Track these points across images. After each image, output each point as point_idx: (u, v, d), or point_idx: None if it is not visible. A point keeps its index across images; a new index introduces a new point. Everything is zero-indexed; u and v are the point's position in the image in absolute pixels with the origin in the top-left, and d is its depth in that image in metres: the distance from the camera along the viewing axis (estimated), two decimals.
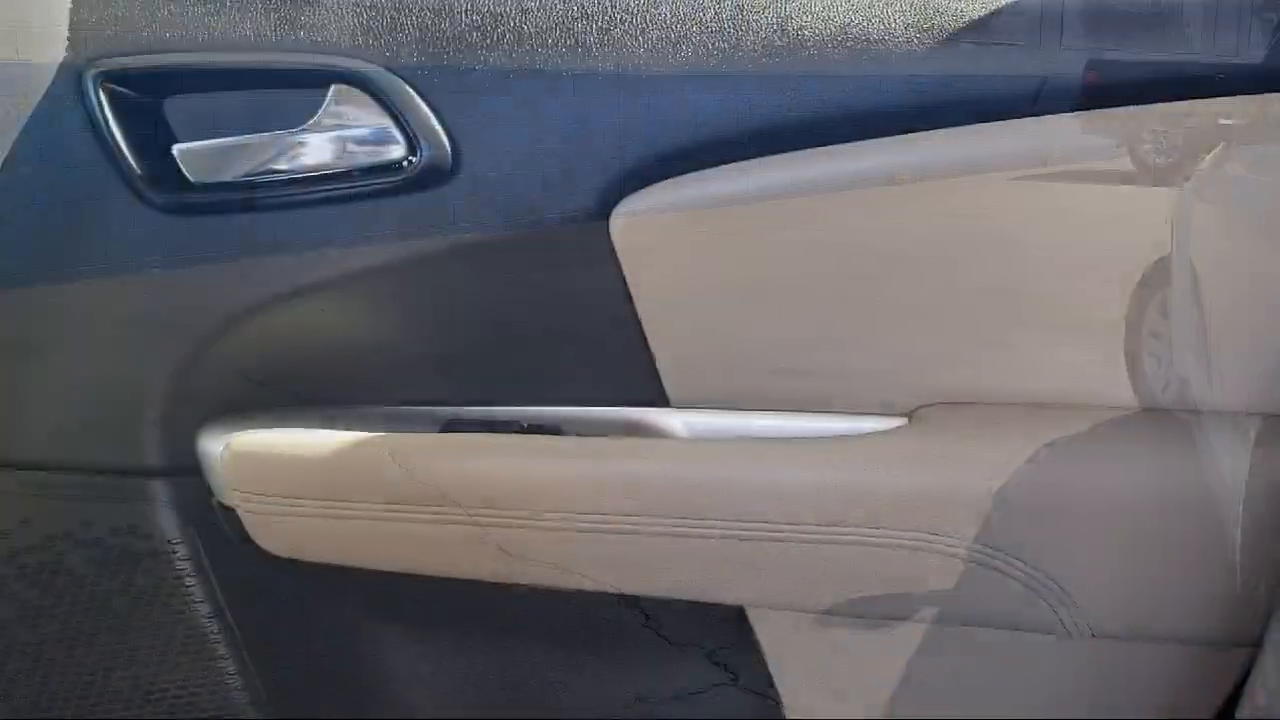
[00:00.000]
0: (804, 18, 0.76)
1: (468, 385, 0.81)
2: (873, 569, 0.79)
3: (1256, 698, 0.73)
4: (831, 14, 0.76)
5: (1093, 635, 0.78)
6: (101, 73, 0.73)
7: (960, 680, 0.81)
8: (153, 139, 0.76)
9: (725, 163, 0.77)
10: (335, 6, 0.76)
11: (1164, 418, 0.79)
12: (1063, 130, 0.77)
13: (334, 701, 0.85)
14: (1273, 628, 0.73)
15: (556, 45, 0.76)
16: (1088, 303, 0.77)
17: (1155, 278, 0.78)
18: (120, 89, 0.74)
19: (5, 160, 0.73)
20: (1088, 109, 0.75)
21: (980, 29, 0.76)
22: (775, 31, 0.77)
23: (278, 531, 0.79)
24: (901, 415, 0.81)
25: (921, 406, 0.81)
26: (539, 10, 0.76)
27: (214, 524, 0.81)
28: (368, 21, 0.76)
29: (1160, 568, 0.78)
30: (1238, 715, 0.75)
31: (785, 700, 0.83)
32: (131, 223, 0.75)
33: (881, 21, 0.76)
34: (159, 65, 0.75)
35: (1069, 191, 0.77)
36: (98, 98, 0.74)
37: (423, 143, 0.75)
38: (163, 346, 0.77)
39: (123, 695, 0.80)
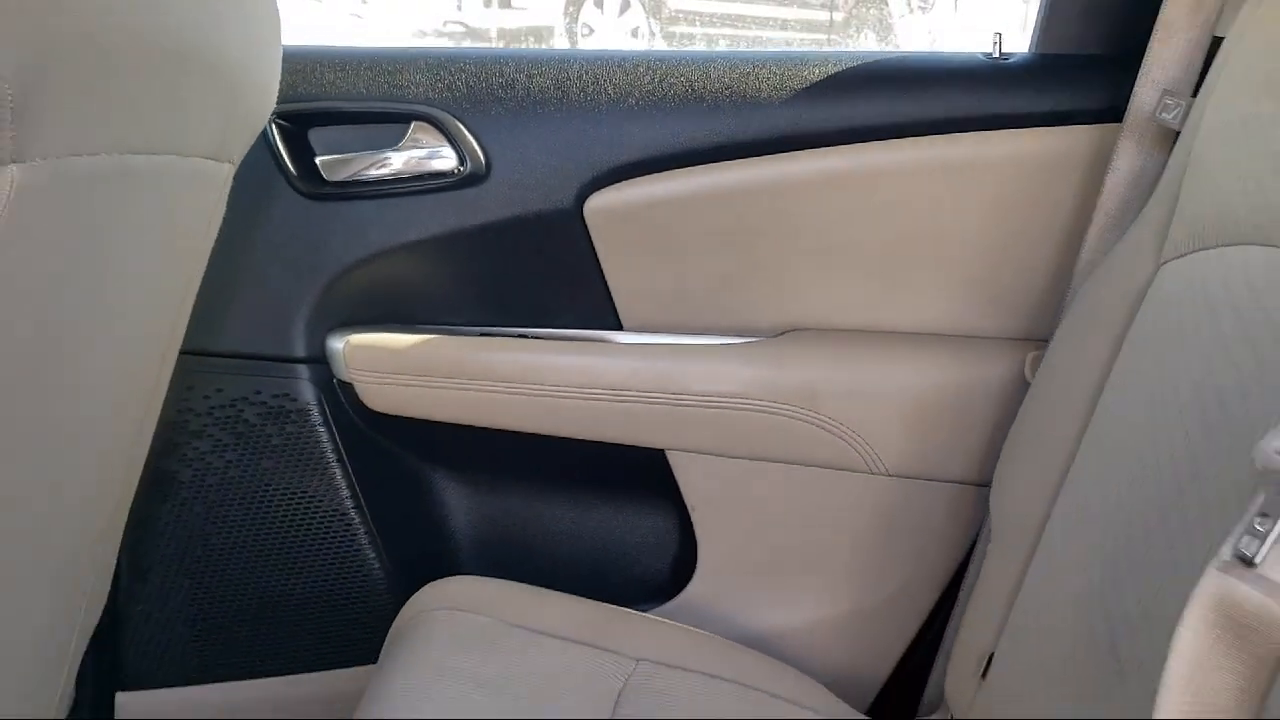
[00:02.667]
0: (703, 81, 1.18)
1: (494, 313, 1.24)
2: (753, 428, 1.21)
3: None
4: (717, 81, 1.18)
5: (889, 474, 1.21)
6: (275, 114, 1.16)
7: (805, 506, 1.24)
8: (303, 154, 1.20)
9: (658, 171, 1.20)
10: (412, 73, 1.18)
11: (948, 340, 1.21)
12: (873, 151, 1.18)
13: (400, 512, 1.29)
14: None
15: (551, 96, 1.18)
16: (897, 258, 1.19)
17: (945, 244, 1.20)
18: (285, 123, 1.18)
19: None
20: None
21: (807, 90, 1.18)
22: (686, 88, 1.18)
23: (380, 396, 1.23)
24: (775, 334, 1.24)
25: (787, 330, 1.24)
26: (540, 76, 1.18)
27: (336, 394, 1.25)
28: (434, 82, 1.18)
29: (936, 431, 1.20)
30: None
31: (695, 520, 1.27)
32: (291, 205, 1.19)
33: (754, 83, 1.17)
34: (307, 109, 1.18)
35: (886, 187, 1.19)
36: (271, 130, 1.17)
37: (467, 158, 1.18)
38: (307, 281, 1.20)
39: (275, 497, 1.24)
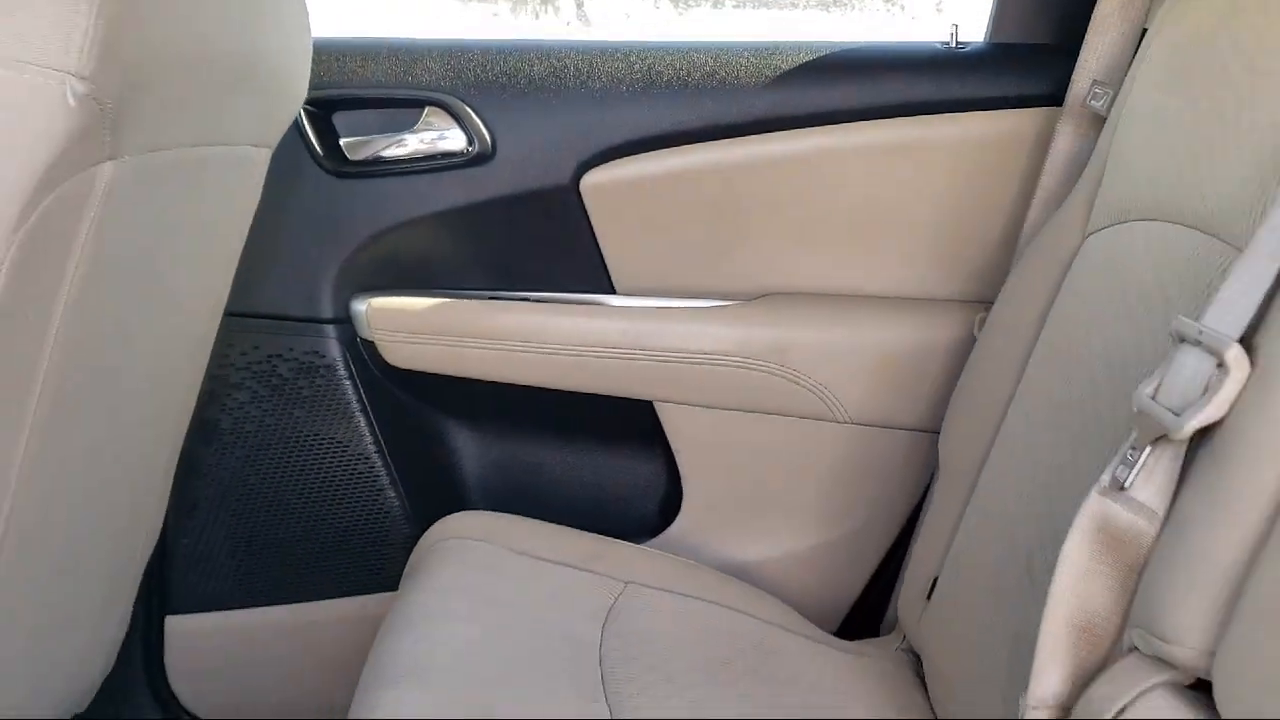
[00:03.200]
0: (688, 69, 1.30)
1: (500, 278, 1.38)
2: (731, 381, 1.35)
3: None
4: (700, 69, 1.30)
5: (852, 423, 1.35)
6: (303, 102, 1.29)
7: (778, 450, 1.37)
8: (328, 136, 1.33)
9: (648, 151, 1.32)
10: (426, 62, 1.31)
11: (906, 302, 1.34)
12: (841, 133, 1.31)
13: (417, 456, 1.42)
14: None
15: (550, 83, 1.31)
16: (862, 229, 1.32)
17: (905, 216, 1.33)
18: (312, 109, 1.30)
19: None
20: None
21: (782, 76, 1.30)
22: (673, 75, 1.31)
23: (398, 353, 1.36)
24: (752, 298, 1.37)
25: (763, 294, 1.37)
26: (540, 64, 1.31)
27: (359, 351, 1.38)
28: (444, 70, 1.31)
29: (893, 383, 1.33)
30: None
31: (680, 463, 1.40)
32: (319, 182, 1.32)
33: (734, 70, 1.30)
34: (332, 96, 1.30)
35: (853, 165, 1.32)
36: (300, 116, 1.30)
37: (475, 139, 1.31)
38: (333, 250, 1.33)
39: (305, 442, 1.38)
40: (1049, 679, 0.82)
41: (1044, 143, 1.27)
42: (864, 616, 1.39)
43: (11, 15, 0.65)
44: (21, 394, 0.76)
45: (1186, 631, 0.74)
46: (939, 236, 1.31)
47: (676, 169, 1.32)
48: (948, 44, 1.34)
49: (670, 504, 1.41)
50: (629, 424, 1.39)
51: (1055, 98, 1.27)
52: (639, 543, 1.35)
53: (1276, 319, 0.75)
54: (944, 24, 1.38)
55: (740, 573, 1.36)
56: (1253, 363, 0.75)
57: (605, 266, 1.36)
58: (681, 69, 1.31)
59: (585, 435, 1.44)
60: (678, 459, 1.39)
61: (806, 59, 1.31)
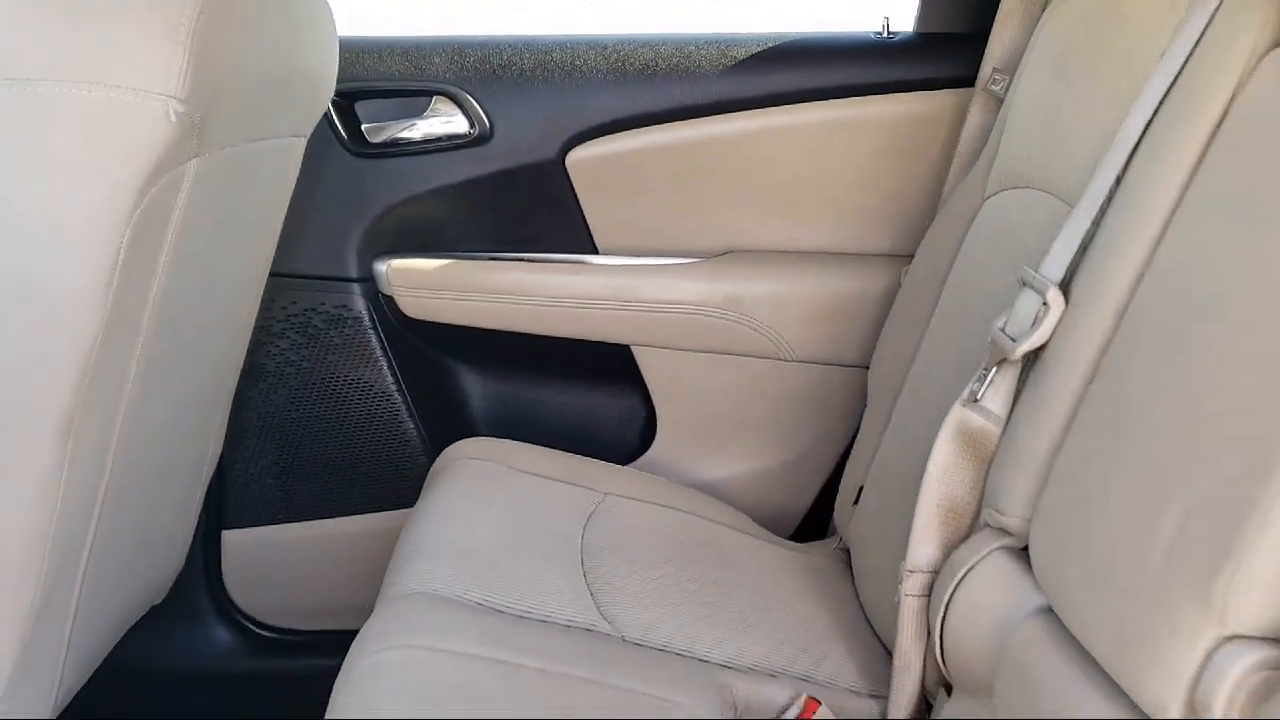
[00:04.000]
0: (655, 59, 1.52)
1: (499, 242, 1.60)
2: (696, 327, 1.57)
3: None
4: (667, 59, 1.51)
5: (798, 361, 1.57)
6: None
7: (737, 385, 1.60)
8: (352, 122, 1.55)
9: (624, 130, 1.54)
10: (433, 57, 1.52)
11: (844, 256, 1.56)
12: (788, 113, 1.52)
13: (431, 392, 1.65)
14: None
15: (539, 74, 1.52)
16: (807, 195, 1.54)
17: (843, 183, 1.54)
18: (338, 99, 1.52)
19: None
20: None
21: (736, 65, 1.51)
22: (643, 65, 1.52)
23: (414, 306, 1.59)
24: (713, 255, 1.59)
25: (724, 252, 1.59)
26: (531, 57, 1.53)
27: (381, 305, 1.61)
28: (449, 64, 1.52)
29: (833, 327, 1.55)
30: None
31: (654, 397, 1.63)
32: (344, 161, 1.54)
33: (696, 60, 1.51)
34: (354, 88, 1.52)
35: (798, 140, 1.53)
36: (329, 106, 1.51)
37: (475, 123, 1.52)
38: (357, 219, 1.55)
39: (337, 382, 1.60)
40: (923, 549, 1.05)
41: (959, 119, 1.48)
42: (814, 525, 1.62)
43: (125, 48, 0.87)
44: (130, 345, 0.98)
45: (1015, 505, 0.96)
46: (871, 201, 1.53)
47: (648, 146, 1.54)
48: (880, 34, 1.55)
49: (646, 432, 1.64)
50: (610, 365, 1.61)
51: (969, 80, 1.48)
52: (619, 464, 1.58)
53: (1086, 265, 0.97)
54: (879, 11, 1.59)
55: (705, 489, 1.59)
56: (1067, 300, 0.97)
57: (588, 230, 1.58)
58: (650, 59, 1.53)
59: (573, 374, 1.66)
60: (652, 394, 1.61)
61: (758, 49, 1.52)
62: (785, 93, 1.52)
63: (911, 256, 1.49)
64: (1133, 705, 0.74)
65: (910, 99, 1.50)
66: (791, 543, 1.47)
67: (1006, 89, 1.37)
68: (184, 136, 0.90)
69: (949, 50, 1.51)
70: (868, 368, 1.52)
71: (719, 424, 1.61)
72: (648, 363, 1.60)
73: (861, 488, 1.38)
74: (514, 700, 0.94)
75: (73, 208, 0.88)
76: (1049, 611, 0.87)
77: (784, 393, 1.58)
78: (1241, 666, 0.66)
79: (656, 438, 1.63)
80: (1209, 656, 0.68)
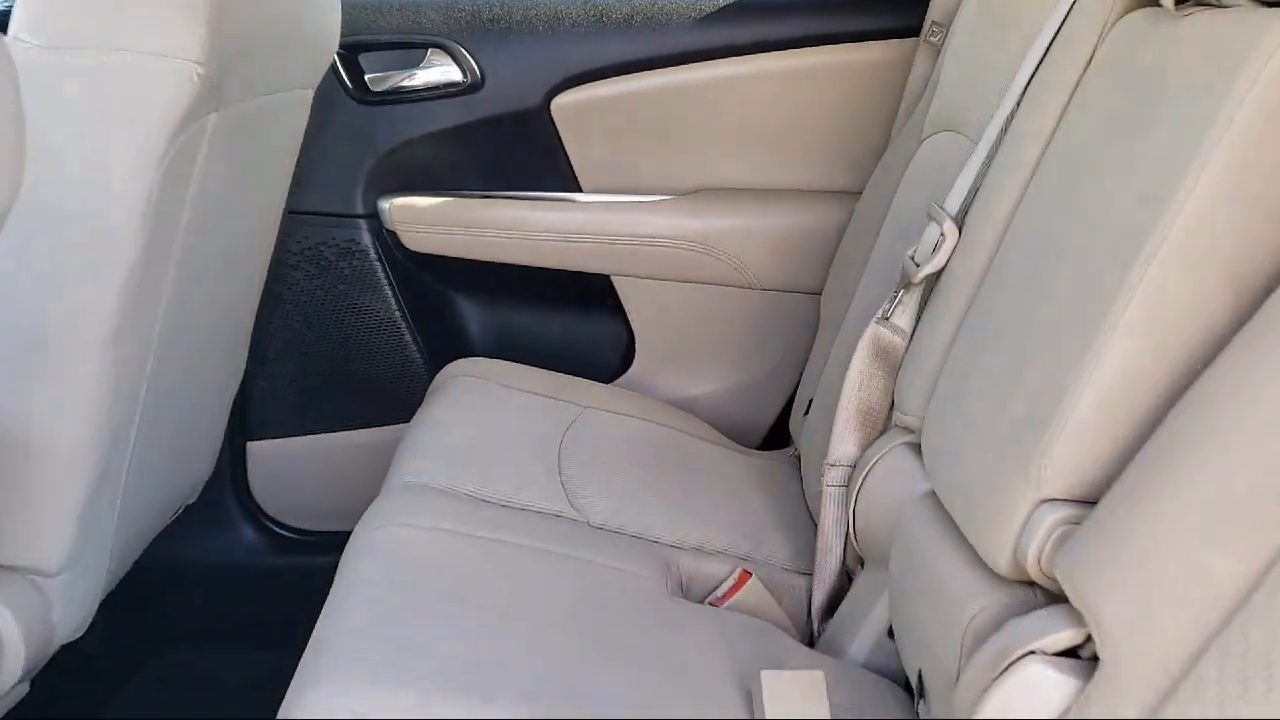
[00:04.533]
0: (631, 11, 1.66)
1: (491, 182, 1.75)
2: (670, 258, 1.72)
3: None
4: (642, 11, 1.65)
5: (762, 289, 1.73)
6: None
7: (707, 311, 1.75)
8: (356, 73, 1.70)
9: (604, 79, 1.69)
10: (428, 12, 1.67)
11: (804, 193, 1.71)
12: (751, 62, 1.66)
13: (430, 317, 1.81)
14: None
15: (525, 27, 1.67)
16: (769, 136, 1.68)
17: (802, 126, 1.69)
18: (343, 52, 1.67)
19: None
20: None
21: (705, 17, 1.65)
22: (621, 18, 1.66)
23: (414, 240, 1.75)
24: (686, 193, 1.74)
25: (696, 190, 1.74)
26: (518, 11, 1.67)
27: (385, 239, 1.77)
28: (444, 19, 1.67)
29: (793, 257, 1.71)
30: None
31: (633, 323, 1.79)
32: (350, 109, 1.69)
33: (668, 12, 1.65)
34: (357, 41, 1.67)
35: (761, 87, 1.67)
36: (334, 59, 1.67)
37: (468, 73, 1.67)
38: (362, 162, 1.71)
39: (346, 309, 1.77)
40: (842, 447, 1.22)
41: (906, 69, 1.62)
42: (779, 437, 1.78)
43: (154, 21, 1.03)
44: (161, 275, 1.15)
45: (914, 406, 1.13)
46: (827, 142, 1.68)
47: (626, 92, 1.69)
48: None
49: (626, 354, 1.80)
50: (593, 293, 1.77)
51: (916, 31, 1.61)
52: (600, 383, 1.75)
53: (977, 202, 1.12)
54: None
55: (679, 405, 1.75)
56: (960, 231, 1.12)
57: (573, 170, 1.73)
58: (628, 13, 1.67)
59: (560, 302, 1.82)
60: (630, 320, 1.77)
61: (724, 3, 1.66)
62: (749, 44, 1.66)
63: (860, 194, 1.64)
64: (982, 564, 0.91)
65: (861, 49, 1.64)
66: (752, 451, 1.64)
67: (943, 41, 1.51)
68: (205, 94, 1.06)
69: (896, 4, 1.64)
70: (821, 294, 1.68)
71: (691, 346, 1.78)
72: (627, 291, 1.76)
73: (811, 401, 1.54)
74: (490, 567, 1.12)
75: (113, 156, 1.05)
76: (932, 494, 1.04)
77: (749, 318, 1.74)
78: (1047, 524, 0.82)
79: (635, 359, 1.79)
80: (1028, 518, 0.84)
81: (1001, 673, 0.78)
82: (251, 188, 1.35)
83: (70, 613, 1.21)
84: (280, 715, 0.91)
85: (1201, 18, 0.85)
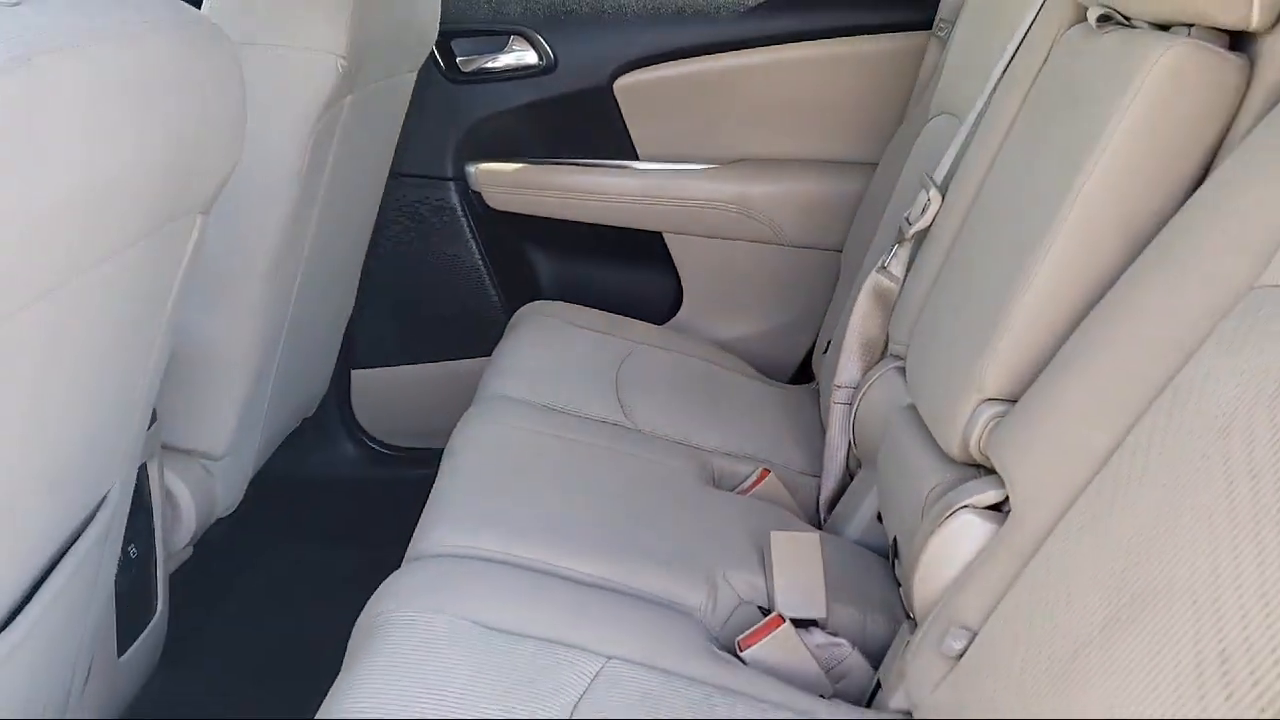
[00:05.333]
0: (684, 6, 1.92)
1: (562, 150, 2.02)
2: (713, 218, 1.99)
3: None
4: (694, 3, 1.91)
5: (793, 245, 1.99)
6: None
7: (745, 263, 2.02)
8: (449, 56, 1.98)
9: (660, 63, 1.95)
10: (511, 5, 1.94)
11: (828, 163, 1.96)
12: (788, 50, 1.91)
13: (508, 265, 2.10)
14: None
15: (593, 18, 1.94)
16: (800, 114, 1.94)
17: (828, 105, 1.94)
18: (439, 39, 1.94)
19: None
20: None
21: (751, 10, 1.91)
22: (675, 9, 1.92)
23: (496, 200, 2.02)
24: (729, 162, 2.00)
25: (737, 160, 2.00)
26: (586, 5, 1.93)
27: (471, 199, 2.05)
28: (524, 9, 1.94)
29: (820, 217, 1.96)
30: None
31: (681, 273, 2.06)
32: (444, 87, 1.97)
33: (715, 4, 1.91)
34: (450, 29, 1.94)
35: (795, 72, 1.93)
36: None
37: (543, 56, 1.95)
38: (453, 132, 1.99)
39: (437, 257, 2.05)
40: (846, 371, 1.48)
41: (918, 56, 1.86)
42: (804, 374, 2.05)
43: (306, 20, 1.31)
44: (306, 222, 1.44)
45: (903, 336, 1.39)
46: (850, 120, 1.93)
47: (677, 75, 1.95)
48: None
49: (675, 301, 2.08)
50: (647, 248, 2.04)
51: (929, 25, 1.85)
52: (652, 324, 2.02)
53: (959, 172, 1.37)
54: None
55: (719, 345, 2.02)
56: (944, 196, 1.38)
57: (631, 142, 2.00)
58: (681, 5, 1.93)
59: (618, 255, 2.10)
60: (679, 271, 2.05)
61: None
62: (784, 34, 1.91)
63: (877, 164, 1.89)
64: (940, 451, 1.17)
65: (880, 40, 1.89)
66: (780, 383, 1.90)
67: (949, 35, 1.75)
68: (345, 81, 1.34)
69: (910, 1, 1.88)
70: (842, 251, 1.94)
71: (730, 295, 2.04)
72: (676, 247, 2.03)
73: (829, 341, 1.80)
74: (559, 457, 1.40)
75: (273, 131, 1.33)
76: (912, 406, 1.30)
77: (781, 271, 2.01)
78: (985, 417, 1.08)
79: (682, 305, 2.07)
80: (972, 413, 1.10)
81: (942, 523, 1.05)
82: (369, 155, 1.63)
83: (227, 492, 1.52)
84: (408, 554, 1.20)
85: (1116, 35, 1.10)
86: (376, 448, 2.15)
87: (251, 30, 1.31)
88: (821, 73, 1.91)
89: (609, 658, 1.00)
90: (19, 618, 0.85)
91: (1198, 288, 0.91)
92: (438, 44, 1.94)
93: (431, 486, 1.37)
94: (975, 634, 0.95)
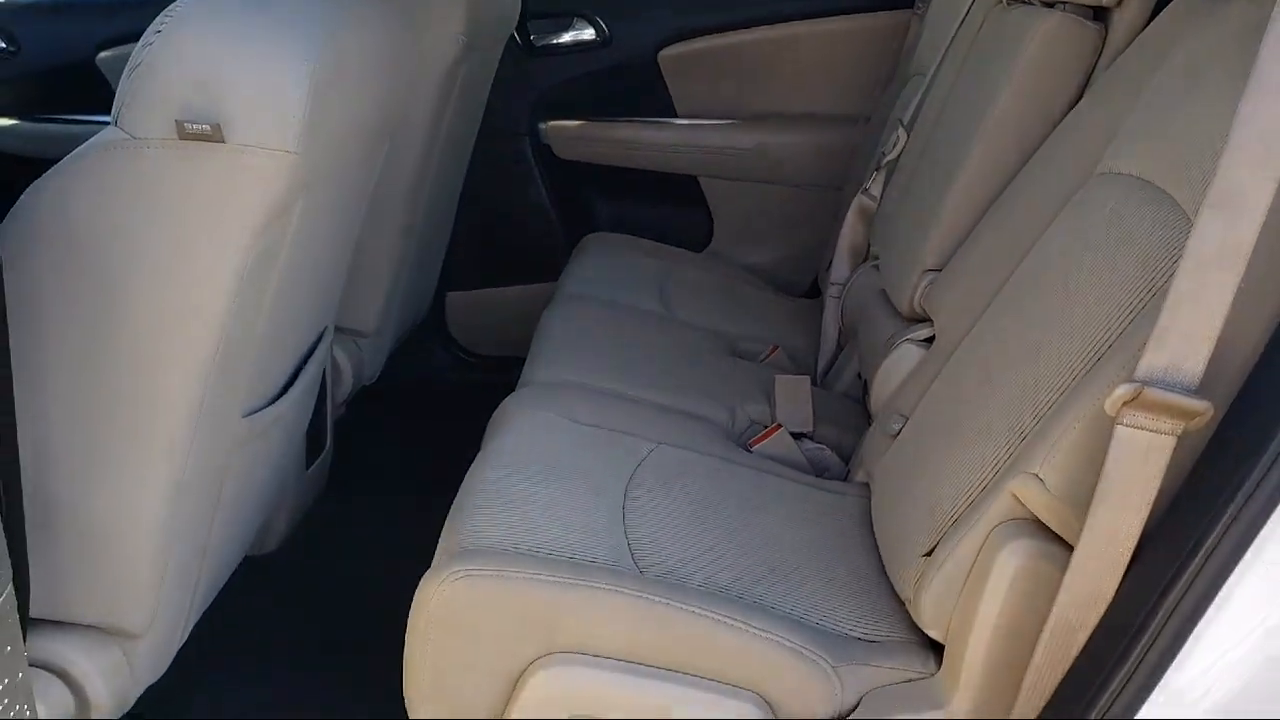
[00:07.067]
0: None
1: (615, 110, 2.48)
2: (735, 161, 2.45)
3: None
4: None
5: (800, 185, 2.43)
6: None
7: (765, 200, 2.46)
8: (524, 32, 2.44)
9: (695, 37, 2.40)
10: None
11: (827, 117, 2.41)
12: (793, 26, 2.36)
13: (571, 203, 2.55)
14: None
15: (643, 1, 2.39)
16: (805, 77, 2.38)
17: (827, 70, 2.39)
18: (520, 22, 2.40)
19: None
20: None
21: None
22: None
23: (560, 149, 2.48)
24: (749, 118, 2.45)
25: (756, 115, 2.45)
26: None
27: (542, 148, 2.51)
28: None
29: (824, 156, 2.41)
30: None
31: (712, 207, 2.51)
32: (521, 58, 2.42)
33: None
34: (526, 10, 2.40)
35: (800, 46, 2.37)
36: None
37: (599, 33, 2.40)
38: (528, 95, 2.44)
39: (509, 197, 2.52)
40: (838, 272, 1.94)
41: (904, 30, 2.30)
42: (814, 291, 2.49)
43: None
44: (430, 166, 1.90)
45: (877, 240, 1.83)
46: (848, 81, 2.37)
47: (711, 47, 2.40)
48: None
49: (708, 233, 2.53)
50: (685, 189, 2.50)
51: (910, 3, 2.29)
52: (690, 251, 2.48)
53: (920, 115, 1.82)
54: None
55: (744, 269, 2.47)
56: (909, 134, 1.82)
57: (672, 102, 2.46)
58: None
59: (661, 195, 2.55)
60: (710, 208, 2.50)
61: None
62: (795, 13, 2.36)
63: (870, 118, 2.33)
64: (897, 312, 1.62)
65: (873, 17, 2.33)
66: (797, 298, 2.36)
67: (925, 13, 2.19)
68: (463, 53, 1.80)
69: None
70: (842, 189, 2.38)
71: (753, 227, 2.50)
72: (708, 188, 2.49)
73: (831, 259, 2.25)
74: (612, 333, 1.86)
75: (421, 90, 1.79)
76: (883, 291, 1.75)
77: (794, 206, 2.46)
78: (925, 281, 1.53)
79: (713, 237, 2.52)
80: (917, 280, 1.55)
81: (891, 352, 1.50)
82: (468, 114, 2.10)
83: (373, 363, 1.98)
84: (520, 381, 1.65)
85: (1019, 11, 1.54)
86: (464, 357, 2.63)
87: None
88: (825, 43, 2.35)
89: (659, 443, 1.46)
90: (289, 391, 1.32)
91: (1058, 179, 1.35)
92: (516, 25, 2.41)
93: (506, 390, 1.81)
94: (907, 418, 1.40)
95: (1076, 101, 1.46)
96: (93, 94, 2.32)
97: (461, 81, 1.88)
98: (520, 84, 2.46)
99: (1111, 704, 0.89)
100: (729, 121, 2.45)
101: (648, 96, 2.47)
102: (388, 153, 1.68)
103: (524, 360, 1.82)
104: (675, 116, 2.47)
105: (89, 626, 1.13)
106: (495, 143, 2.46)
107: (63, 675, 1.11)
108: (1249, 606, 0.86)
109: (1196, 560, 0.85)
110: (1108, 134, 1.27)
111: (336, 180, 1.25)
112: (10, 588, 0.67)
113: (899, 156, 1.84)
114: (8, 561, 0.68)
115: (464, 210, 2.46)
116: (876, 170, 1.90)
